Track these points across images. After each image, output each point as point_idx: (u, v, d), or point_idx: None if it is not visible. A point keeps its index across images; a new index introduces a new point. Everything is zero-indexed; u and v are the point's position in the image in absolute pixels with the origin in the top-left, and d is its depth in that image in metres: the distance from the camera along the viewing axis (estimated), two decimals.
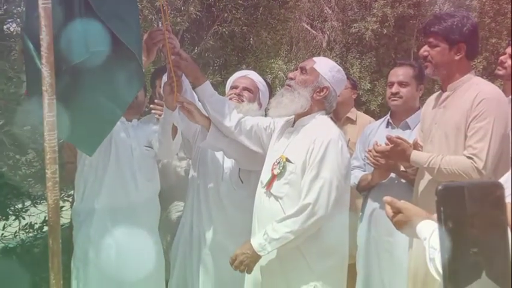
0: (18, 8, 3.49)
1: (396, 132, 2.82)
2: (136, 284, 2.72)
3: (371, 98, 8.57)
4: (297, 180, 2.33)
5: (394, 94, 2.96)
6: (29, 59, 2.16)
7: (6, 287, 3.06)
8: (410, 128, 2.92)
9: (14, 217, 3.71)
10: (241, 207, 2.72)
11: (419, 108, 2.95)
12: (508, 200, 1.14)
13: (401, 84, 2.95)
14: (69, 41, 2.11)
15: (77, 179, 2.84)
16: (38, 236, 3.95)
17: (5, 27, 3.57)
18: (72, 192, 3.51)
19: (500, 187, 1.02)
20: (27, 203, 3.75)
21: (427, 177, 2.43)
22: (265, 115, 2.80)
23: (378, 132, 3.02)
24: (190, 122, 2.68)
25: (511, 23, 9.10)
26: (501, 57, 2.72)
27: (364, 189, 2.99)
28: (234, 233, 2.71)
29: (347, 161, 2.38)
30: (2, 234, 3.94)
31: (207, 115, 2.65)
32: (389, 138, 2.50)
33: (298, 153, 2.35)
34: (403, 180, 2.81)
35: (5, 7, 3.43)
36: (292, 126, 2.49)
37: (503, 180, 1.46)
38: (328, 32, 8.79)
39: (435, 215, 1.06)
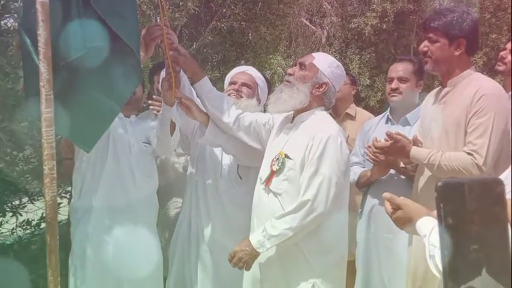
0: (16, 3, 3.48)
1: (396, 128, 2.81)
2: (135, 281, 2.72)
3: (370, 93, 8.57)
4: (296, 176, 2.32)
5: (394, 90, 2.95)
6: (26, 55, 2.15)
7: (4, 284, 3.05)
8: (410, 124, 2.91)
9: (11, 214, 3.71)
10: (240, 204, 2.72)
11: (419, 104, 2.94)
12: (508, 196, 1.14)
13: (401, 80, 2.94)
14: (66, 37, 2.10)
15: (74, 175, 2.83)
16: (35, 232, 3.95)
17: (2, 22, 3.56)
18: (69, 188, 3.49)
19: (500, 183, 1.01)
20: (25, 199, 3.74)
21: (427, 173, 2.42)
22: (264, 111, 2.79)
23: (377, 128, 3.01)
24: (189, 118, 2.67)
25: (511, 18, 9.08)
26: (501, 53, 2.72)
27: (363, 186, 2.99)
28: (232, 230, 2.71)
29: (346, 157, 2.37)
30: None
31: (205, 111, 2.64)
32: (388, 135, 2.49)
33: (297, 149, 2.34)
34: (402, 177, 2.80)
35: (2, 2, 3.42)
36: (291, 122, 2.48)
37: (504, 176, 1.46)
38: (327, 28, 8.78)
39: (435, 212, 1.06)
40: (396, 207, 1.54)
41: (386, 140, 2.53)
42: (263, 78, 2.99)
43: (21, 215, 3.78)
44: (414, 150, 2.42)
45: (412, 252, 2.46)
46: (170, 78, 2.51)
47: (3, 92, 3.06)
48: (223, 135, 2.65)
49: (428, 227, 1.35)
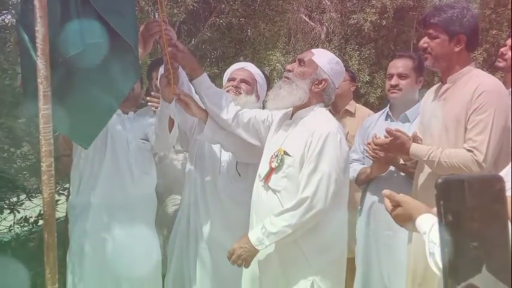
0: None
1: (395, 125, 2.80)
2: (133, 278, 2.71)
3: (370, 90, 8.56)
4: (295, 173, 2.32)
5: (394, 86, 2.94)
6: (24, 51, 2.14)
7: (1, 282, 3.04)
8: (409, 121, 2.90)
9: (8, 211, 3.71)
10: (239, 201, 2.71)
11: (418, 100, 2.93)
12: (508, 193, 1.14)
13: (400, 76, 2.93)
14: (64, 33, 2.09)
15: (72, 172, 2.83)
16: (33, 230, 3.95)
17: (0, 18, 3.55)
18: (67, 185, 3.50)
19: (500, 180, 1.01)
20: (22, 196, 3.74)
21: (427, 170, 2.42)
22: (263, 107, 2.78)
23: (377, 125, 3.01)
24: (187, 114, 2.66)
25: None
26: (501, 49, 2.70)
27: (363, 183, 2.98)
28: (231, 227, 2.70)
29: (346, 154, 2.36)
30: None
31: (204, 107, 2.62)
32: (388, 131, 2.48)
33: (297, 146, 2.33)
34: (402, 174, 2.79)
35: None
36: (290, 119, 2.47)
37: (504, 173, 1.45)
38: (326, 24, 8.76)
39: (435, 209, 1.05)
40: (396, 204, 1.53)
41: (386, 137, 2.52)
42: (262, 75, 2.98)
43: (18, 212, 3.77)
44: (414, 147, 2.41)
45: (411, 250, 2.45)
46: (169, 74, 2.50)
47: (1, 88, 3.06)
48: (222, 131, 2.64)
49: (428, 224, 1.35)
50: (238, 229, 2.54)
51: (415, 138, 2.49)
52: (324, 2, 8.90)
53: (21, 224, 3.88)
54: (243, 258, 2.31)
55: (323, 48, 6.25)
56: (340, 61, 2.53)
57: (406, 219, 1.50)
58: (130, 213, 2.76)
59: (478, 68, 2.50)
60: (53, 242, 1.98)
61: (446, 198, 0.99)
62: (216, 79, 4.66)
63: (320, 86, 2.40)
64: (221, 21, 5.56)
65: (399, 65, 2.96)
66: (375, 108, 7.19)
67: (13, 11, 3.49)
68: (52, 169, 1.97)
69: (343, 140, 2.34)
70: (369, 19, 8.50)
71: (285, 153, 2.35)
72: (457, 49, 2.34)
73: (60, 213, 3.30)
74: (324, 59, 2.43)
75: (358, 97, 7.01)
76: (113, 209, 2.74)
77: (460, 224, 0.98)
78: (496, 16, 9.93)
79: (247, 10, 5.80)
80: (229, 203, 2.76)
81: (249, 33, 6.00)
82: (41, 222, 3.75)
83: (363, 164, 3.01)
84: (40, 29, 1.93)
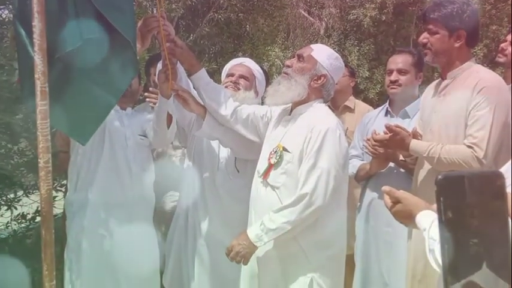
0: None
1: (395, 121, 2.79)
2: (131, 275, 2.71)
3: (369, 86, 8.53)
4: (294, 169, 2.31)
5: (393, 82, 2.93)
6: (21, 46, 2.13)
7: None
8: (409, 117, 2.90)
9: (6, 207, 3.69)
10: (238, 197, 2.70)
11: (418, 96, 2.93)
12: (508, 190, 1.13)
13: (400, 72, 2.92)
14: (62, 28, 2.08)
15: (70, 168, 2.82)
16: (30, 226, 3.93)
17: None
18: (65, 182, 3.49)
19: (500, 177, 1.01)
20: (20, 192, 3.72)
21: (427, 166, 2.41)
22: (262, 103, 2.77)
23: (376, 121, 3.00)
24: (186, 110, 2.66)
25: None
26: (502, 45, 2.71)
27: (362, 179, 2.98)
28: (230, 224, 2.69)
29: (345, 150, 2.35)
30: None
31: (202, 103, 2.61)
32: (388, 127, 2.48)
33: (296, 142, 2.32)
34: (402, 170, 2.79)
35: None
36: (289, 115, 2.46)
37: (504, 169, 1.45)
38: (325, 19, 8.72)
39: (435, 205, 1.05)
40: (395, 201, 1.52)
41: (385, 133, 2.51)
42: (261, 70, 2.97)
43: (16, 208, 3.75)
44: (414, 143, 2.40)
45: (411, 246, 2.45)
46: (167, 70, 2.49)
47: None
48: (221, 127, 2.63)
49: (428, 220, 1.34)
50: (237, 226, 2.53)
51: (415, 134, 2.48)
52: None
53: (19, 221, 3.87)
54: (242, 255, 2.31)
55: (322, 43, 6.23)
56: (340, 56, 2.52)
57: (405, 216, 1.49)
58: (128, 210, 2.76)
59: (478, 63, 2.49)
60: (51, 239, 1.97)
61: (446, 194, 0.99)
62: (215, 75, 4.65)
63: (319, 82, 2.39)
64: (219, 16, 5.54)
65: (399, 61, 2.95)
66: (375, 104, 7.17)
67: (10, 6, 3.47)
68: (50, 165, 1.96)
69: (342, 136, 2.33)
70: (369, 14, 8.46)
71: (284, 149, 2.34)
72: (457, 44, 2.33)
73: (57, 209, 3.29)
74: (323, 54, 2.42)
75: (357, 93, 6.98)
76: (110, 205, 2.74)
77: (460, 220, 0.98)
78: (497, 11, 9.90)
79: (245, 5, 5.79)
80: (228, 200, 2.75)
81: (247, 29, 5.98)
82: (38, 218, 3.73)
83: (362, 160, 3.00)
84: (37, 24, 1.92)
